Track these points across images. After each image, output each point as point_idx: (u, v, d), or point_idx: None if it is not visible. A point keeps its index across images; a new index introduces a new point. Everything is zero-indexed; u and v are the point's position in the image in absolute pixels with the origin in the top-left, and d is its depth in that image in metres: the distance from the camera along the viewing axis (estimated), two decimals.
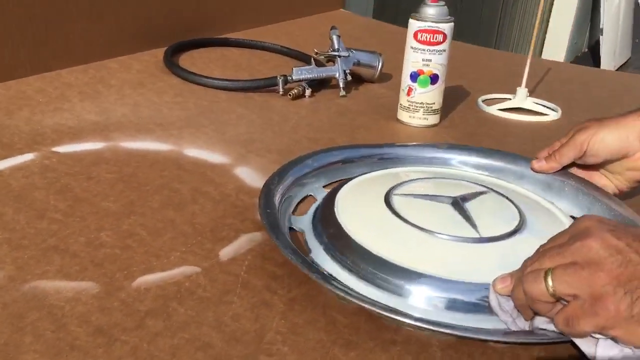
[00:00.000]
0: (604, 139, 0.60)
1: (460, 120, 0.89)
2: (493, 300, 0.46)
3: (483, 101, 0.96)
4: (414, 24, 0.81)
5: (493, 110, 0.93)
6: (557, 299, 0.42)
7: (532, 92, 0.98)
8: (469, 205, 0.57)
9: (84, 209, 0.57)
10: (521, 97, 0.94)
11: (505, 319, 0.46)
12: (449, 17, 0.81)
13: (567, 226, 0.63)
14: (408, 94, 0.83)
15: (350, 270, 0.51)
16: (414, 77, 0.82)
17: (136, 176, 0.64)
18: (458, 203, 0.57)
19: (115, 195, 0.59)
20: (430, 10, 0.80)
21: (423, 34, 0.80)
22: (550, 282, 0.42)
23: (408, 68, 0.83)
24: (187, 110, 0.82)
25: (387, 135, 0.82)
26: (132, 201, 0.59)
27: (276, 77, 0.91)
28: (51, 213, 0.55)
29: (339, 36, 0.96)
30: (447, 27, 0.80)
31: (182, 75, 0.91)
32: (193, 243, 0.53)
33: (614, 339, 0.41)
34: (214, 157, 0.70)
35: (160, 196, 0.60)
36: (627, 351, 0.41)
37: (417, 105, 0.83)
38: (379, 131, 0.82)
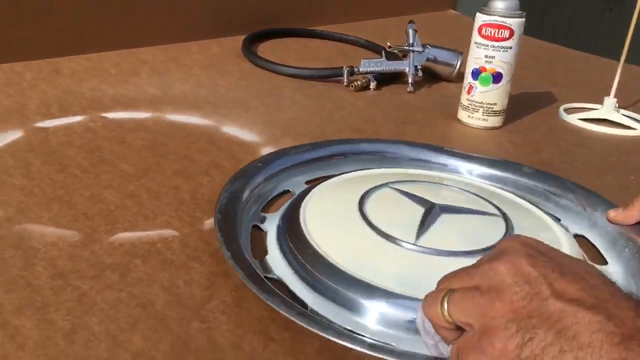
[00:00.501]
0: None
1: (529, 126, 0.82)
2: (419, 319, 0.40)
3: (565, 110, 0.88)
4: (479, 18, 0.76)
5: (573, 119, 0.84)
6: (456, 325, 0.36)
7: (623, 104, 0.88)
8: (448, 213, 0.52)
9: (102, 168, 0.60)
10: (608, 108, 0.84)
11: (426, 340, 0.40)
12: (519, 12, 0.75)
13: (544, 219, 0.56)
14: (468, 92, 0.78)
15: (302, 278, 0.47)
16: (476, 74, 0.77)
17: (165, 145, 0.66)
18: (437, 212, 0.52)
19: (136, 160, 0.63)
20: (497, 4, 0.75)
21: (487, 28, 0.75)
22: (445, 306, 0.36)
23: (470, 65, 0.78)
24: (245, 93, 0.84)
25: (437, 133, 0.78)
26: (150, 166, 0.62)
27: (342, 67, 0.90)
28: (72, 169, 0.60)
29: (415, 30, 0.93)
30: (515, 23, 0.74)
31: (251, 59, 0.93)
32: (185, 210, 0.55)
33: None
34: (248, 136, 0.71)
35: (177, 165, 0.62)
36: None
37: (477, 105, 0.78)
38: (431, 129, 0.78)
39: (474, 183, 0.62)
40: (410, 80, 0.91)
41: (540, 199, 0.61)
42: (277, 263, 0.49)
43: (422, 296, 0.39)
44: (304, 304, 0.45)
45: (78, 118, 0.70)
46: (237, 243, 0.48)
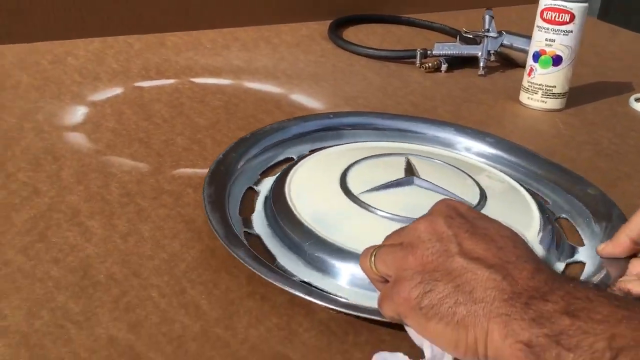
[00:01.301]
0: None
1: (592, 111, 0.82)
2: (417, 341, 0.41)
3: (637, 99, 0.86)
4: (542, 2, 0.78)
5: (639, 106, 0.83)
6: (383, 278, 0.41)
7: None
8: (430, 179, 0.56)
9: (180, 120, 0.71)
10: None
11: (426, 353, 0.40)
12: None
13: (525, 196, 0.59)
14: (529, 74, 0.81)
15: (276, 235, 0.52)
16: (536, 57, 0.79)
17: (237, 106, 0.76)
18: (413, 182, 0.56)
19: (209, 115, 0.72)
20: None
21: (549, 12, 0.77)
22: (372, 259, 0.41)
23: (532, 47, 0.80)
24: (321, 68, 0.91)
25: (492, 112, 0.81)
26: (219, 120, 0.71)
27: (416, 50, 0.95)
28: (155, 118, 0.71)
29: (492, 17, 0.96)
30: (577, 8, 0.76)
31: (334, 40, 1.01)
32: None
33: None
34: (312, 103, 0.79)
35: (243, 122, 0.71)
36: (436, 350, 0.38)
37: (536, 87, 0.80)
38: (488, 108, 0.82)
39: (466, 159, 0.66)
40: (481, 64, 0.94)
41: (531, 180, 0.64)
42: (259, 221, 0.54)
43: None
44: (273, 259, 0.50)
45: (170, 81, 0.81)
46: (223, 200, 0.54)
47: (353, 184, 0.56)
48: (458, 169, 0.61)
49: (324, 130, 0.69)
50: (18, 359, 0.39)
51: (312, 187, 0.57)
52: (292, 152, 0.66)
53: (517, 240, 0.39)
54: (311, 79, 0.87)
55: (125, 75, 0.82)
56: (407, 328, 0.40)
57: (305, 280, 0.48)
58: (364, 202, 0.53)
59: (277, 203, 0.54)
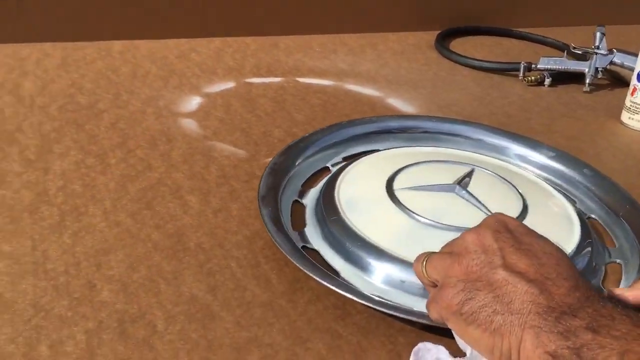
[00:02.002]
0: None
1: None
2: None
3: None
4: None
5: None
6: (433, 283, 0.44)
7: None
8: (473, 190, 0.58)
9: (280, 114, 0.77)
10: None
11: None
12: None
13: (565, 204, 0.61)
14: (632, 94, 0.79)
15: (340, 254, 0.53)
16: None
17: (334, 105, 0.81)
18: (462, 189, 0.58)
19: (307, 112, 0.78)
20: None
21: None
22: (424, 264, 0.44)
23: (638, 67, 0.78)
24: (422, 76, 0.94)
25: (590, 130, 0.81)
26: (315, 118, 0.77)
27: (520, 62, 0.95)
28: (258, 112, 0.78)
29: (603, 34, 0.94)
30: None
31: (439, 50, 1.03)
32: None
33: None
34: (406, 107, 0.83)
35: (336, 120, 0.76)
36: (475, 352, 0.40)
37: (638, 107, 0.78)
38: (586, 125, 0.82)
39: (506, 166, 0.67)
40: (587, 81, 0.92)
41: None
42: (314, 234, 0.56)
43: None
44: (336, 272, 0.52)
45: (277, 79, 0.88)
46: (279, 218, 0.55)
47: (399, 192, 0.58)
48: (507, 181, 0.62)
49: (375, 133, 0.72)
50: (116, 303, 0.47)
51: (363, 199, 0.58)
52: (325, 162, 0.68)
53: (560, 258, 0.41)
54: (410, 84, 0.90)
55: (239, 72, 0.90)
56: (453, 333, 0.43)
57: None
58: (398, 199, 0.56)
59: (330, 214, 0.56)
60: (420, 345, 0.43)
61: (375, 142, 0.71)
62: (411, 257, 0.50)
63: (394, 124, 0.73)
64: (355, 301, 0.47)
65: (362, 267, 0.52)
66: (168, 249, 0.53)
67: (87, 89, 0.79)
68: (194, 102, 0.80)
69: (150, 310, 0.46)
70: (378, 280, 0.51)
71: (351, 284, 0.50)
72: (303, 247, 0.54)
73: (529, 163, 0.69)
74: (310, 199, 0.61)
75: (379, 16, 1.12)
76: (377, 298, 0.49)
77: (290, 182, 0.63)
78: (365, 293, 0.49)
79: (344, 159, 0.69)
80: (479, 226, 0.44)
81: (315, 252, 0.54)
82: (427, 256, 0.45)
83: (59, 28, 0.92)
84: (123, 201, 0.58)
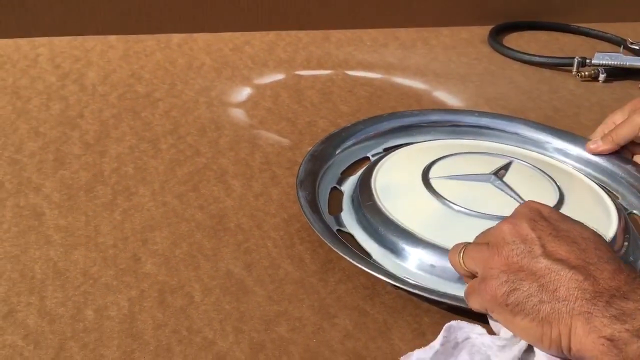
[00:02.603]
0: None
1: None
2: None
3: None
4: None
5: None
6: (470, 273, 0.44)
7: None
8: (508, 180, 0.58)
9: (326, 105, 0.79)
10: None
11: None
12: None
13: (603, 198, 0.61)
14: None
15: (387, 249, 0.54)
16: None
17: (380, 97, 0.82)
18: (497, 179, 0.59)
19: (352, 104, 0.80)
20: None
21: None
22: (461, 255, 0.44)
23: None
24: (471, 70, 0.94)
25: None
26: (359, 109, 0.79)
27: (574, 57, 0.93)
28: (305, 102, 0.80)
29: None
30: None
31: (492, 44, 1.03)
32: None
33: None
34: (452, 100, 0.83)
35: (381, 112, 0.77)
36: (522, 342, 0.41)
37: None
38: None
39: (545, 159, 0.67)
40: None
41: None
42: (349, 219, 0.58)
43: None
44: (368, 254, 0.54)
45: (326, 72, 0.90)
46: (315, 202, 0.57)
47: (435, 182, 0.59)
48: (545, 174, 0.61)
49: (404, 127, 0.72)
50: (158, 275, 0.50)
51: (397, 185, 0.60)
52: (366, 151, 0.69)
53: (598, 242, 0.41)
54: (458, 78, 0.91)
55: (289, 64, 0.92)
56: (488, 317, 0.44)
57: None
58: (432, 187, 0.57)
59: (365, 201, 0.58)
60: (453, 322, 0.44)
61: (416, 135, 0.72)
62: (442, 242, 0.51)
63: (435, 117, 0.74)
64: (384, 282, 0.49)
65: (393, 250, 0.53)
66: (209, 228, 0.56)
67: (146, 79, 0.84)
68: (244, 92, 0.83)
69: (188, 282, 0.49)
70: (409, 264, 0.52)
71: (381, 266, 0.52)
72: (338, 230, 0.56)
73: (569, 157, 0.68)
74: (348, 185, 0.63)
75: (433, 11, 1.12)
76: (403, 278, 0.50)
77: (330, 169, 0.65)
78: (392, 272, 0.50)
79: (385, 150, 0.70)
80: (513, 216, 0.44)
81: (349, 235, 0.56)
82: (464, 247, 0.46)
83: (123, 21, 0.98)
84: (171, 183, 0.62)
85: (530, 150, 0.69)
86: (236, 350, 0.44)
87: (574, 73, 0.94)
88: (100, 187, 0.60)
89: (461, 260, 0.45)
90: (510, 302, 0.40)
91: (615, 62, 0.92)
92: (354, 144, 0.69)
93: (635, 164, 0.65)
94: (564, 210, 0.55)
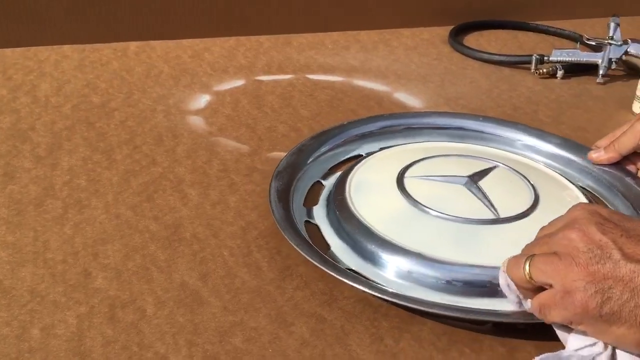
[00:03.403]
0: None
1: None
2: (502, 280, 0.45)
3: None
4: None
5: None
6: (537, 285, 0.43)
7: None
8: (483, 184, 0.58)
9: (286, 110, 0.78)
10: None
11: (511, 298, 0.45)
12: None
13: (581, 200, 0.60)
14: None
15: (347, 244, 0.54)
16: None
17: (341, 100, 0.82)
18: (472, 182, 0.58)
19: (313, 108, 0.79)
20: None
21: None
22: (527, 269, 0.42)
23: None
24: (432, 70, 0.94)
25: (598, 120, 0.80)
26: (320, 113, 0.78)
27: (532, 55, 0.94)
28: (265, 108, 0.79)
29: (617, 24, 0.92)
30: None
31: (452, 44, 1.03)
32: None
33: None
34: (412, 101, 0.83)
35: (342, 115, 0.77)
36: (597, 347, 0.40)
37: None
38: (594, 116, 0.81)
39: (522, 160, 0.66)
40: (601, 72, 0.91)
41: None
42: (320, 212, 0.59)
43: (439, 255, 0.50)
44: (328, 246, 0.54)
45: (287, 76, 0.89)
46: (289, 192, 0.58)
47: (408, 184, 0.59)
48: (528, 181, 0.60)
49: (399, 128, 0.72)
50: (109, 290, 0.48)
51: (371, 185, 0.60)
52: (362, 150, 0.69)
53: None
54: (419, 79, 0.91)
55: (250, 70, 0.91)
56: (554, 325, 0.43)
57: (353, 268, 0.51)
58: (405, 188, 0.57)
59: (339, 201, 0.58)
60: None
61: (416, 136, 0.72)
62: (400, 241, 0.51)
63: (438, 120, 0.74)
64: (343, 285, 0.48)
65: (352, 245, 0.53)
66: (164, 239, 0.54)
67: (101, 88, 0.82)
68: (203, 99, 0.81)
69: (141, 296, 0.48)
70: (366, 259, 0.52)
71: (336, 260, 0.51)
72: (306, 221, 0.57)
73: (570, 167, 0.67)
74: (330, 180, 0.63)
75: (394, 13, 1.12)
76: (345, 269, 0.50)
77: (316, 163, 0.65)
78: (340, 266, 0.50)
79: (382, 149, 0.69)
80: (574, 221, 0.42)
81: (316, 227, 0.56)
82: (528, 259, 0.43)
83: (78, 30, 0.96)
84: (125, 194, 0.60)
85: (529, 158, 0.68)
86: None
87: (532, 70, 0.94)
88: (50, 200, 0.59)
89: (527, 274, 0.43)
90: (605, 313, 0.39)
91: (572, 58, 0.93)
92: (344, 142, 0.69)
93: (635, 177, 0.63)
94: (536, 214, 0.55)
